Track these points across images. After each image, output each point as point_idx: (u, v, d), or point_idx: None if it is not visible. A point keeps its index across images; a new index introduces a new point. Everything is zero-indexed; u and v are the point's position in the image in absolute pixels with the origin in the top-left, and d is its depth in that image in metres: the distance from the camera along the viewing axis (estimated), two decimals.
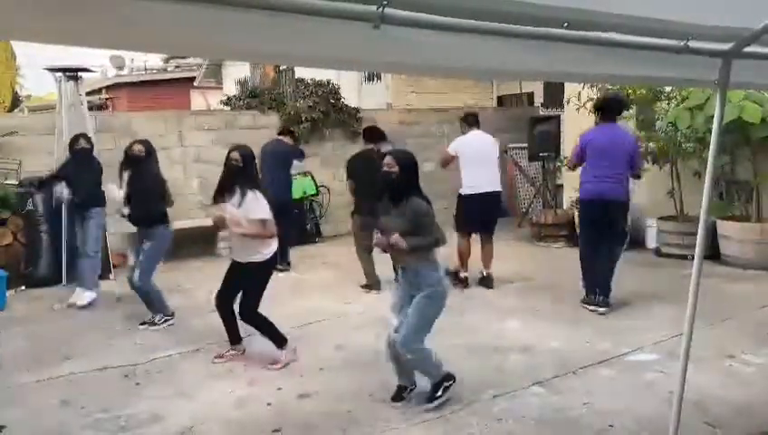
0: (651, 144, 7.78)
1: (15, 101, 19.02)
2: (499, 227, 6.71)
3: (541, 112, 11.77)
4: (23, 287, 6.91)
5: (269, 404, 3.93)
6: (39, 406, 3.96)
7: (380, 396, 3.99)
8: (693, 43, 2.25)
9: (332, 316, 5.71)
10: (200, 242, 7.70)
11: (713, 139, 2.83)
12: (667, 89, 7.50)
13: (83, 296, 6.20)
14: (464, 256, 6.49)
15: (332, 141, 9.81)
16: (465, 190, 6.43)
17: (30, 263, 7.12)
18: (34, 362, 4.69)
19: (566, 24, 1.99)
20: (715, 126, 2.80)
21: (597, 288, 5.55)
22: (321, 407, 3.88)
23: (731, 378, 4.16)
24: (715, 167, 2.93)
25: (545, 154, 9.64)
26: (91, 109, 9.79)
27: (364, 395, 4.02)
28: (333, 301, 6.19)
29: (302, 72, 10.29)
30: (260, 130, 8.80)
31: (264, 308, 5.97)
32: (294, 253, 7.87)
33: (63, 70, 7.40)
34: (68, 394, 4.13)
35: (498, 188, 6.54)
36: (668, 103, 7.73)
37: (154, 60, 21.74)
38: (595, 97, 7.91)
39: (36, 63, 7.98)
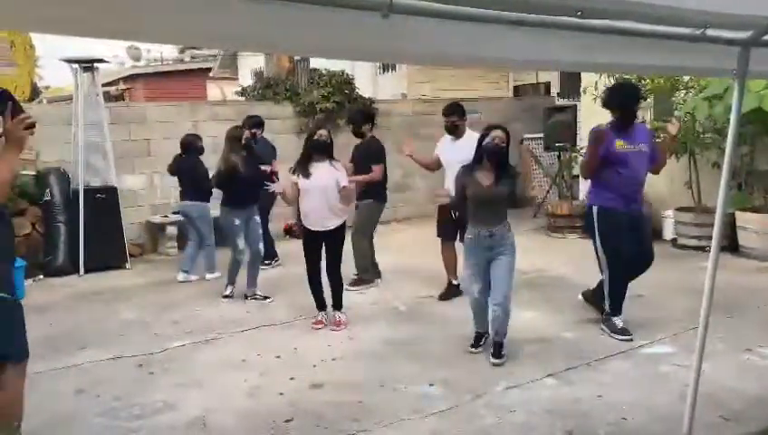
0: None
1: (34, 92, 19.19)
2: (513, 218, 6.58)
3: (557, 102, 11.67)
4: (41, 276, 7.01)
5: (281, 394, 3.94)
6: (54, 394, 4.01)
7: (393, 386, 4.00)
8: (710, 32, 2.21)
9: (345, 307, 5.71)
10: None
11: (731, 129, 2.78)
12: (686, 78, 7.38)
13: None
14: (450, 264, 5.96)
15: (347, 132, 9.79)
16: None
17: (48, 252, 7.21)
18: (51, 351, 4.74)
19: (579, 13, 1.96)
20: (733, 116, 2.76)
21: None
22: (333, 397, 3.89)
23: (747, 371, 4.11)
24: (734, 157, 2.88)
25: (561, 144, 9.56)
26: (108, 100, 9.87)
27: (376, 385, 4.02)
28: (345, 291, 6.19)
29: (316, 63, 10.28)
30: (274, 121, 8.82)
31: (280, 299, 6.03)
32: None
33: (80, 61, 7.45)
34: (83, 383, 4.18)
35: None
36: (686, 93, 7.61)
37: (170, 51, 21.85)
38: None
39: (55, 54, 8.04)
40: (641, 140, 4.72)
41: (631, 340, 4.62)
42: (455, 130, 5.75)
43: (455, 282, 5.87)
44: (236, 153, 5.91)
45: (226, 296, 6.04)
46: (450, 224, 5.63)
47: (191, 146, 6.79)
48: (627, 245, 4.68)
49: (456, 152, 5.55)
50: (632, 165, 4.65)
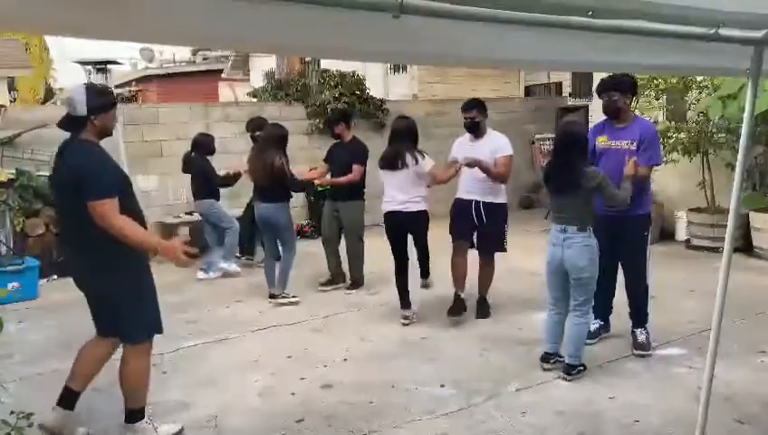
0: (682, 135, 7.63)
1: (49, 94, 19.41)
2: (525, 218, 6.55)
3: (569, 102, 11.62)
4: (54, 277, 7.05)
5: (293, 394, 3.96)
6: None
7: (404, 387, 4.00)
8: (723, 31, 2.18)
9: (356, 307, 5.73)
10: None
11: (744, 129, 2.75)
12: (699, 78, 7.33)
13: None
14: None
15: (357, 133, 9.76)
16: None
17: (62, 253, 7.25)
18: (65, 350, 4.76)
19: (591, 13, 1.95)
20: (746, 116, 2.73)
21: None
22: (344, 397, 3.89)
23: (762, 374, 4.07)
24: (748, 158, 2.85)
25: None
26: (121, 101, 9.95)
27: (387, 386, 4.02)
28: (357, 291, 6.21)
29: (327, 64, 10.30)
30: (285, 122, 8.82)
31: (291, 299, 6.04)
32: (319, 243, 7.88)
33: (93, 63, 7.51)
34: (97, 381, 4.18)
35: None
36: (700, 93, 7.56)
37: (183, 52, 21.98)
38: None
39: (69, 56, 8.12)
40: (629, 138, 4.34)
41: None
42: (475, 128, 5.22)
43: (461, 295, 5.35)
44: (284, 152, 5.87)
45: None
46: (465, 222, 5.22)
47: (200, 145, 6.88)
48: (602, 248, 4.13)
49: (476, 152, 5.14)
50: (609, 162, 4.31)
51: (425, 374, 4.18)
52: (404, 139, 5.02)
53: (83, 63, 7.57)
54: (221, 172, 6.99)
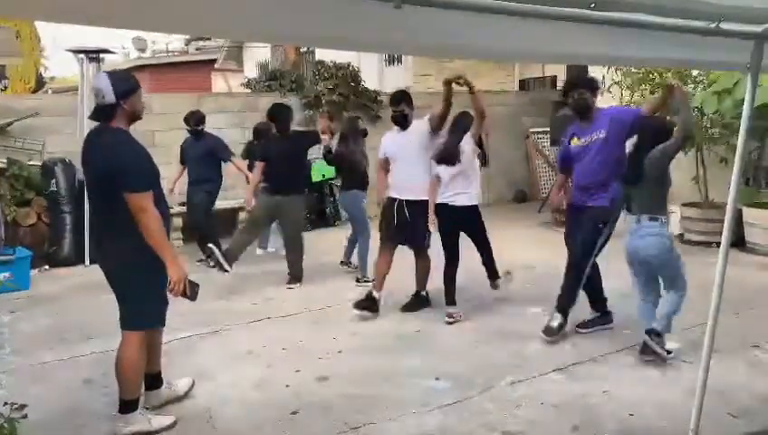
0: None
1: (40, 83, 19.23)
2: (519, 213, 6.56)
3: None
4: (46, 267, 7.02)
5: (287, 386, 3.95)
6: (62, 385, 4.02)
7: (399, 380, 3.99)
8: (724, 25, 2.18)
9: (351, 300, 5.71)
10: (220, 223, 7.75)
11: (742, 123, 2.76)
12: (694, 72, 7.34)
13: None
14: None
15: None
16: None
17: (53, 243, 7.22)
18: (57, 341, 4.76)
19: (593, 5, 1.94)
20: (745, 111, 2.73)
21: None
22: (339, 390, 3.89)
23: (755, 368, 4.09)
24: (744, 153, 2.85)
25: None
26: None
27: (382, 379, 4.02)
28: (353, 284, 6.20)
29: (322, 54, 10.26)
30: None
31: (286, 291, 6.03)
32: (314, 236, 7.88)
33: (86, 51, 7.44)
34: (90, 373, 4.19)
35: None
36: (695, 87, 7.57)
37: (176, 42, 21.84)
38: (620, 80, 7.81)
39: (61, 45, 8.04)
40: (598, 128, 4.57)
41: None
42: (403, 121, 5.32)
43: (375, 294, 5.29)
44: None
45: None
46: (392, 222, 5.30)
47: (263, 134, 7.02)
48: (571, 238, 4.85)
49: (406, 145, 5.28)
50: (582, 161, 4.64)
51: (420, 367, 4.18)
52: (459, 133, 5.01)
53: (76, 52, 7.50)
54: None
